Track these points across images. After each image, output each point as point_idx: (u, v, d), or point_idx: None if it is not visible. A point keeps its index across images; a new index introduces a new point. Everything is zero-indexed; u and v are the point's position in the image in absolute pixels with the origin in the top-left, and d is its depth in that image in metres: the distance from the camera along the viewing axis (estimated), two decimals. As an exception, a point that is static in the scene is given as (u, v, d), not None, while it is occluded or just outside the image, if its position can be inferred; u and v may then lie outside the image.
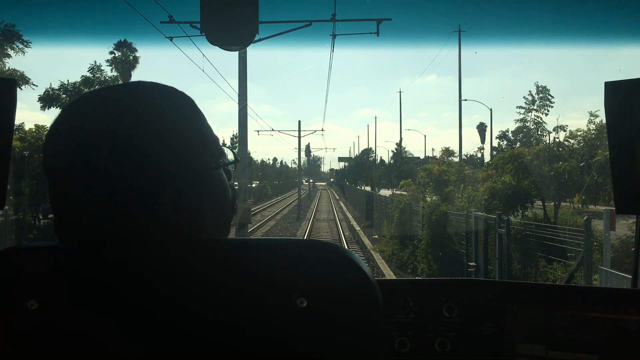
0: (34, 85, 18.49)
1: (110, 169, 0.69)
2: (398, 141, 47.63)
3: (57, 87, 17.87)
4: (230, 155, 0.86)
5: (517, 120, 15.75)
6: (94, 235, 0.70)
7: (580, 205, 12.89)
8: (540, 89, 15.28)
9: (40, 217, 13.02)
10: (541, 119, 15.32)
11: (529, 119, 15.39)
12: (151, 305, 0.67)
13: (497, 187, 11.47)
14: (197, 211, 0.74)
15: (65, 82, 17.95)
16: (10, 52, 16.23)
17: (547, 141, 14.39)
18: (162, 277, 0.68)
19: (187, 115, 0.78)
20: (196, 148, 0.76)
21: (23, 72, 18.13)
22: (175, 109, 0.77)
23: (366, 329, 0.68)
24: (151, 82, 0.79)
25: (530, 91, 15.53)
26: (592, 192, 11.60)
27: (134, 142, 0.70)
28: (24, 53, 16.48)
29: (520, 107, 15.34)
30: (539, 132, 15.17)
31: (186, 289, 0.67)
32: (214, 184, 0.79)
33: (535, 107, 15.30)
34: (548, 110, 15.35)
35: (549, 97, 15.33)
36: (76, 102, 0.77)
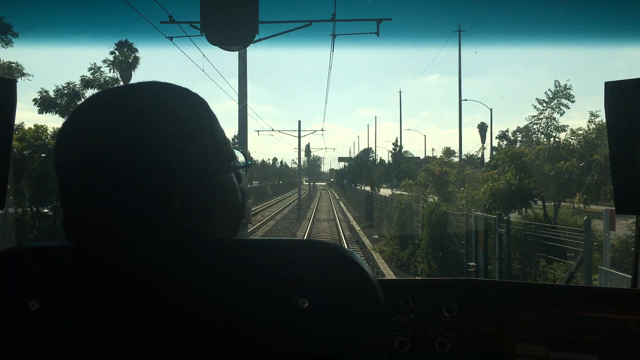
0: (29, 75, 18.38)
1: (120, 169, 0.69)
2: (397, 141, 47.59)
3: (53, 91, 17.76)
4: (241, 158, 0.86)
5: (533, 117, 15.21)
6: (103, 235, 0.70)
7: (581, 205, 12.83)
8: (562, 87, 14.73)
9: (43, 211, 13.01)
10: (555, 118, 14.93)
11: (542, 116, 14.98)
12: (152, 305, 0.67)
13: (497, 187, 11.45)
14: (206, 213, 0.74)
15: (61, 87, 17.83)
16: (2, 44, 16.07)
17: (551, 140, 14.20)
18: (164, 277, 0.68)
19: (200, 117, 0.77)
20: (208, 150, 0.75)
21: (17, 62, 18.07)
22: (187, 111, 0.76)
23: (368, 329, 0.68)
24: (164, 83, 0.78)
25: (557, 82, 14.77)
26: (592, 192, 11.58)
27: (145, 143, 0.70)
28: (12, 45, 16.24)
29: (543, 100, 14.71)
30: (548, 131, 14.81)
31: (188, 288, 0.67)
32: (224, 187, 0.78)
33: (552, 105, 14.86)
34: (564, 111, 14.90)
35: (570, 95, 14.75)
36: (88, 101, 0.76)
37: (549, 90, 14.76)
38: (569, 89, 14.62)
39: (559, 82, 14.67)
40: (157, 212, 0.70)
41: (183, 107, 0.76)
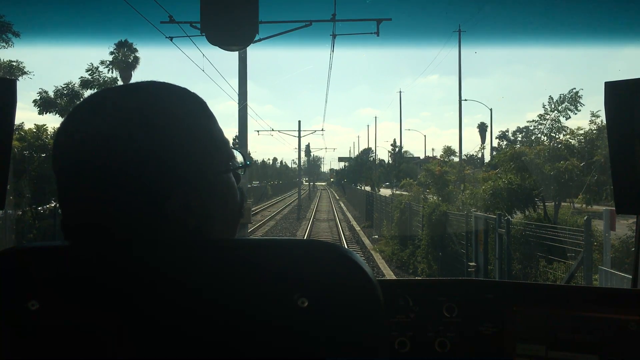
0: (30, 73, 18.43)
1: (118, 169, 0.69)
2: (397, 141, 47.66)
3: (52, 91, 17.75)
4: (240, 158, 0.86)
5: (540, 116, 15.18)
6: (101, 235, 0.70)
7: (584, 205, 12.80)
8: (573, 94, 14.79)
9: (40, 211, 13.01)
10: (560, 121, 14.94)
11: (548, 117, 14.97)
12: (152, 305, 0.67)
13: (498, 186, 11.43)
14: (205, 214, 0.74)
15: (61, 87, 17.82)
16: (1, 44, 16.09)
17: (550, 141, 14.18)
18: (164, 277, 0.68)
19: (199, 118, 0.77)
20: (206, 151, 0.75)
21: (17, 60, 18.12)
22: (186, 111, 0.76)
23: (367, 329, 0.68)
24: (163, 83, 0.78)
25: (573, 90, 14.86)
26: (593, 192, 11.57)
27: (143, 142, 0.69)
28: (12, 44, 16.25)
29: (555, 101, 14.70)
30: (551, 133, 14.80)
31: (188, 288, 0.67)
32: (223, 187, 0.78)
33: (560, 108, 14.86)
34: (570, 115, 14.94)
35: (580, 103, 14.85)
36: (86, 101, 0.76)
37: (562, 94, 14.75)
38: (580, 97, 14.63)
39: (575, 90, 14.69)
40: (155, 211, 0.69)
41: (181, 107, 0.76)
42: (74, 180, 0.71)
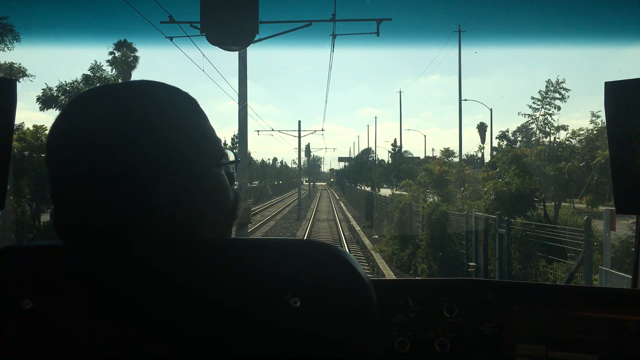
0: (31, 76, 18.58)
1: (107, 164, 0.69)
2: (397, 141, 47.65)
3: (55, 88, 17.84)
4: (231, 157, 0.86)
5: (527, 115, 15.03)
6: (91, 230, 0.70)
7: (589, 207, 12.75)
8: (554, 83, 14.54)
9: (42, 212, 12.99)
10: (552, 113, 14.71)
11: (538, 115, 14.82)
12: (144, 304, 0.67)
13: (498, 186, 11.41)
14: (194, 208, 0.74)
15: (64, 83, 17.93)
16: (1, 46, 16.16)
17: (549, 140, 14.14)
18: (158, 276, 0.68)
19: (188, 114, 0.78)
20: (195, 145, 0.76)
21: (20, 64, 18.23)
22: (175, 107, 0.77)
23: (360, 329, 0.68)
24: (154, 81, 0.79)
25: (549, 81, 14.57)
26: (594, 192, 11.56)
27: (130, 137, 0.70)
28: (13, 45, 16.32)
29: (537, 99, 14.52)
30: (547, 129, 14.67)
31: (182, 287, 0.67)
32: (213, 183, 0.78)
33: (547, 101, 14.68)
34: (559, 106, 14.72)
35: (564, 89, 14.56)
36: (79, 98, 0.77)
37: (541, 91, 14.66)
38: (562, 82, 14.47)
39: (551, 81, 14.59)
40: (143, 204, 0.70)
41: (171, 104, 0.77)
42: (64, 176, 0.72)
